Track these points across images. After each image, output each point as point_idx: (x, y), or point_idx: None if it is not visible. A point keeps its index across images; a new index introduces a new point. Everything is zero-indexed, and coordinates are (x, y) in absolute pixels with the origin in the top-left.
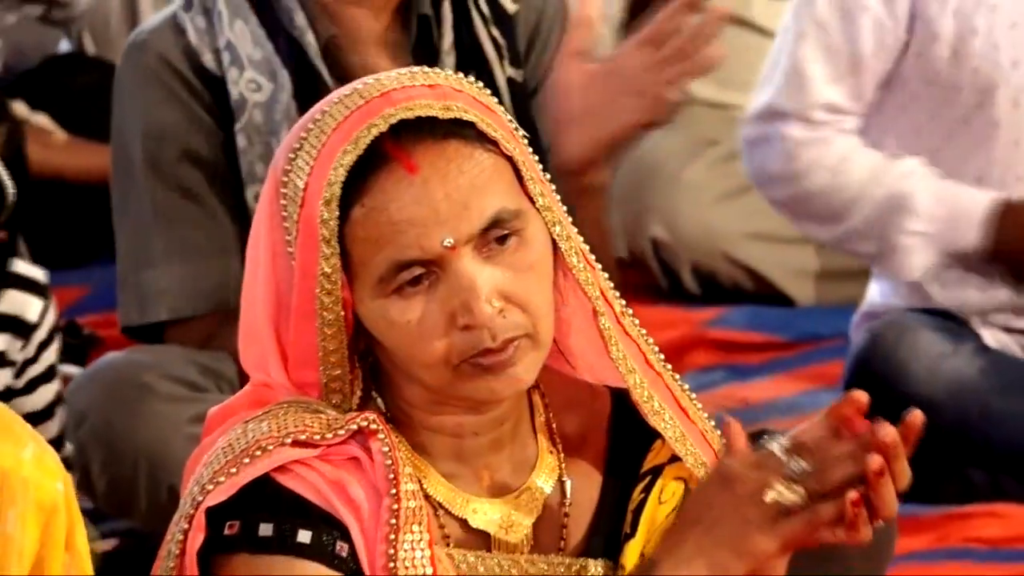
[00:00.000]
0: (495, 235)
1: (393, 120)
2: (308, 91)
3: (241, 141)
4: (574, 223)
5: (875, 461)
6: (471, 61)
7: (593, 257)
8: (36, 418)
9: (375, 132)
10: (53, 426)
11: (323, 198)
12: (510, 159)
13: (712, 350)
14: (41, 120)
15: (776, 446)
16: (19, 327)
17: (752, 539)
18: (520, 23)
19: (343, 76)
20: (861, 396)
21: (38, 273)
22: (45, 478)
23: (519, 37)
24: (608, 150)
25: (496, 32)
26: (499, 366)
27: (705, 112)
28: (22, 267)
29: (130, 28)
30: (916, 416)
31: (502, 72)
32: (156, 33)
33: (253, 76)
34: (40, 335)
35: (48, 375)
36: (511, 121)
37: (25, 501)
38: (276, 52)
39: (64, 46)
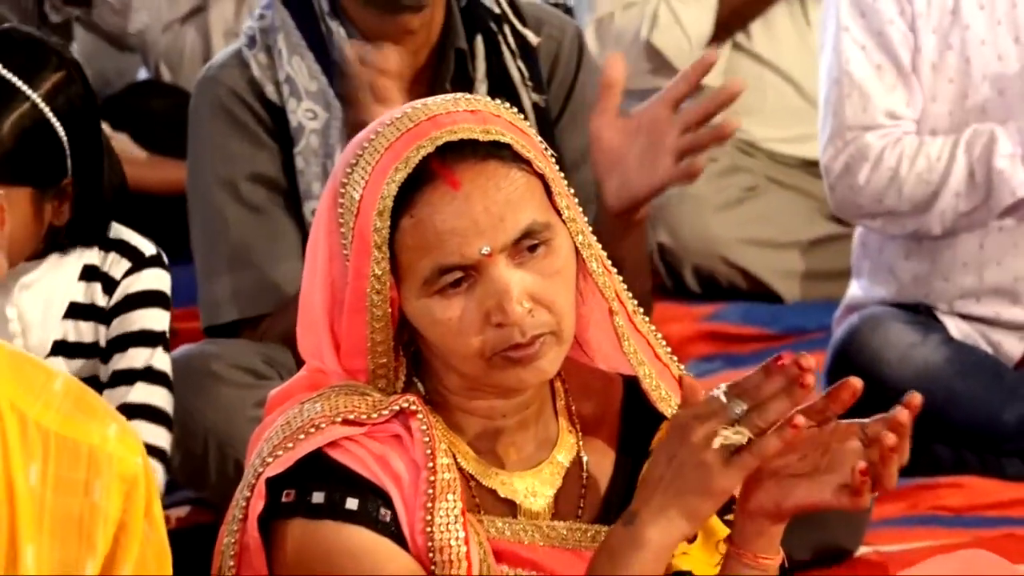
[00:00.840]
0: (526, 244)
1: (439, 142)
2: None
3: (300, 163)
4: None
5: (889, 438)
6: (501, 88)
7: (610, 263)
8: (119, 379)
9: (423, 152)
10: (142, 392)
11: (376, 209)
12: (541, 176)
13: (710, 341)
14: (122, 139)
15: (718, 392)
16: (108, 283)
17: (712, 480)
18: (542, 54)
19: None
20: (856, 382)
21: (142, 243)
22: (127, 453)
23: (541, 67)
24: (644, 201)
25: (521, 63)
26: (527, 359)
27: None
28: (126, 234)
29: (201, 58)
30: (915, 398)
31: (528, 98)
32: (225, 68)
33: (310, 106)
34: (122, 292)
35: (141, 339)
36: (541, 142)
37: (110, 474)
38: (329, 84)
39: (142, 74)
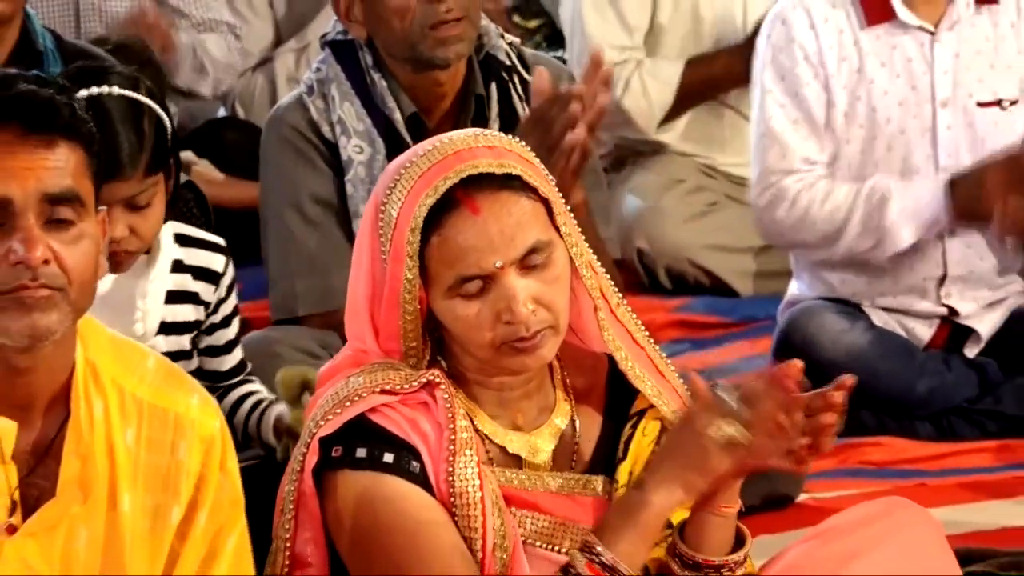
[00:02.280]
0: (531, 258)
1: (463, 174)
2: (396, 153)
3: (349, 188)
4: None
5: (828, 418)
6: (510, 125)
7: (598, 264)
8: (232, 345)
9: (449, 183)
10: (239, 352)
11: (410, 227)
12: (544, 200)
13: (680, 328)
14: (204, 164)
15: (726, 395)
16: (210, 276)
17: (710, 462)
18: None
19: (430, 135)
20: (797, 363)
21: (214, 236)
22: (206, 418)
23: None
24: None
25: (526, 105)
26: (530, 348)
27: (675, 160)
28: (193, 231)
29: (268, 99)
30: (848, 380)
31: None
32: (288, 111)
33: (357, 143)
34: (227, 281)
35: (235, 313)
36: (545, 171)
37: (192, 435)
38: (373, 125)
39: (221, 112)
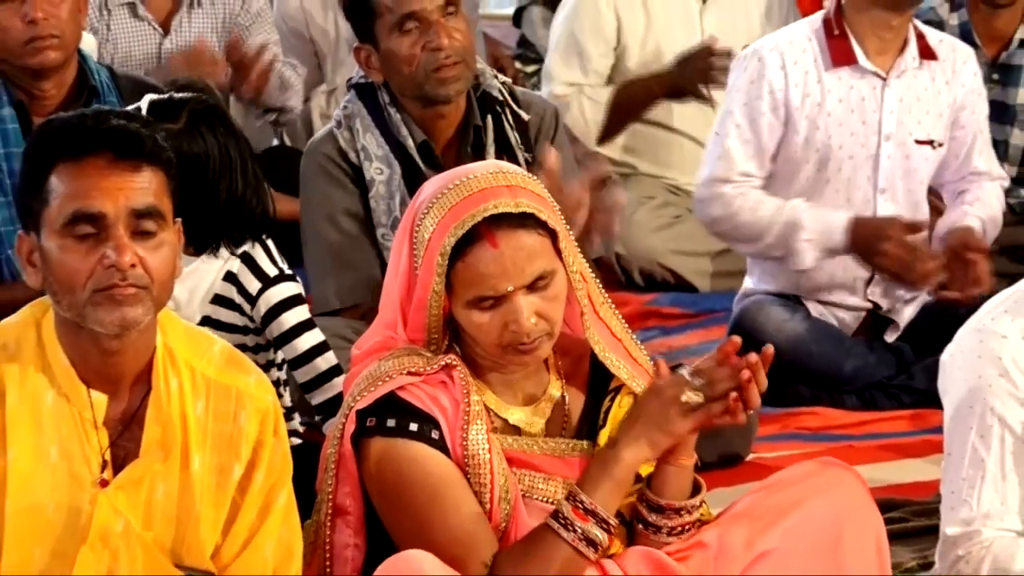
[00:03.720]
0: (537, 283)
1: (486, 214)
2: (410, 174)
3: (372, 203)
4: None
5: (745, 374)
6: (504, 150)
7: (589, 274)
8: (308, 356)
9: (475, 220)
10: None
11: (440, 251)
12: (552, 230)
13: (650, 318)
14: None
15: (685, 370)
16: (247, 295)
17: (672, 424)
18: (531, 126)
19: (431, 164)
20: (736, 340)
21: (269, 266)
22: (262, 393)
23: (530, 134)
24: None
25: (517, 134)
26: (529, 351)
27: (645, 181)
28: (259, 256)
29: (306, 132)
30: (768, 348)
31: (521, 157)
32: (322, 142)
33: (378, 165)
34: (267, 302)
35: (295, 332)
36: (553, 203)
37: (251, 407)
38: (391, 151)
39: (274, 141)
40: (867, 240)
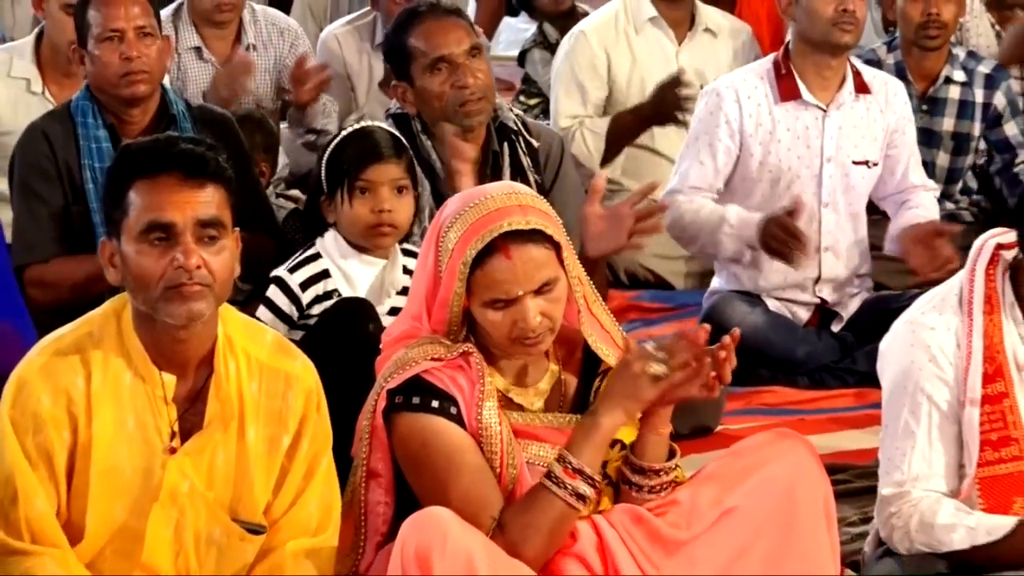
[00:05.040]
0: (543, 289)
1: (501, 231)
2: (438, 192)
3: None
4: (591, 275)
5: (722, 353)
6: (518, 173)
7: (585, 277)
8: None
9: (492, 236)
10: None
11: (462, 261)
12: (556, 243)
13: (634, 312)
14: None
15: (649, 345)
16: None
17: (642, 392)
18: (541, 153)
19: (456, 183)
20: (706, 327)
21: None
22: (307, 375)
23: (540, 160)
24: (609, 255)
25: (529, 159)
26: (534, 343)
27: (628, 194)
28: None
29: None
30: (735, 331)
31: (532, 179)
32: None
33: None
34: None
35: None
36: (557, 219)
37: (297, 387)
38: (423, 172)
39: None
40: (767, 236)
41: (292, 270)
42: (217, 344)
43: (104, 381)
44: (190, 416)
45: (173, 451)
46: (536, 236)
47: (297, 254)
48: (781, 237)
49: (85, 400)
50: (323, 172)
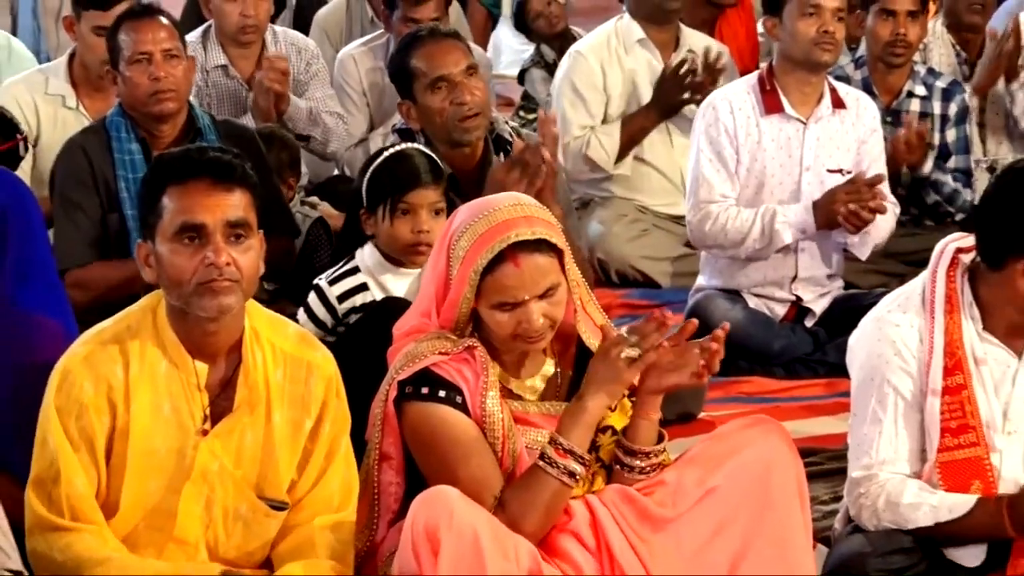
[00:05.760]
0: (546, 293)
1: (509, 241)
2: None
3: None
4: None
5: (714, 345)
6: None
7: (582, 279)
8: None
9: (500, 247)
10: None
11: (472, 268)
12: (559, 250)
13: (624, 308)
14: (325, 205)
15: (624, 329)
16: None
17: (622, 375)
18: None
19: (457, 191)
20: (695, 321)
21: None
22: (327, 364)
23: None
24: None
25: None
26: (535, 341)
27: (620, 202)
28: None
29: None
30: (725, 325)
31: None
32: None
33: None
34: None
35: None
36: (558, 225)
37: (318, 374)
38: None
39: (335, 172)
40: (825, 212)
41: (332, 282)
42: (245, 335)
43: (141, 370)
44: (220, 401)
45: (205, 433)
46: (542, 245)
47: (338, 265)
48: (845, 211)
49: (124, 387)
50: (365, 188)
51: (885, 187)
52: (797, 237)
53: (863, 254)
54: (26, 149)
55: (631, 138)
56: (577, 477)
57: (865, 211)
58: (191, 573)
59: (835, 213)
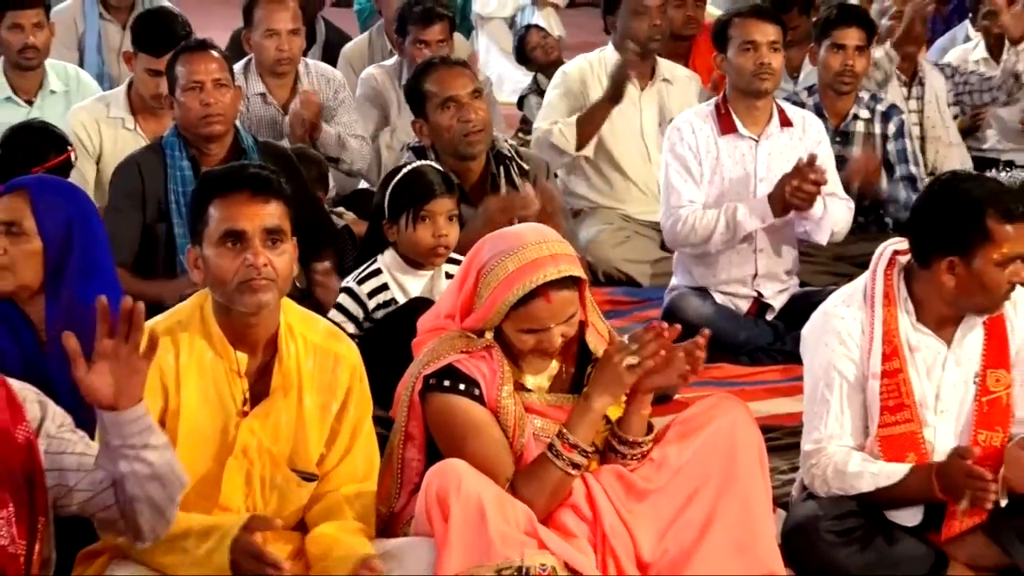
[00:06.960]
0: (568, 319)
1: (540, 281)
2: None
3: None
4: None
5: (698, 352)
6: (513, 189)
7: (589, 295)
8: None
9: (532, 286)
10: None
11: (503, 300)
12: (579, 282)
13: (610, 304)
14: (351, 215)
15: (626, 338)
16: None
17: (622, 377)
18: (531, 174)
19: (463, 200)
20: (677, 326)
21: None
22: (352, 354)
23: (529, 179)
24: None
25: (521, 179)
26: (552, 352)
27: (606, 212)
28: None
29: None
30: (706, 331)
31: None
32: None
33: None
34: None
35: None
36: (583, 258)
37: (344, 364)
38: None
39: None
40: (777, 196)
41: (360, 282)
42: (280, 329)
43: (190, 358)
44: (258, 386)
45: (245, 414)
46: (568, 281)
47: (362, 268)
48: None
49: (175, 374)
50: (387, 201)
51: (838, 187)
52: (758, 226)
53: (822, 239)
54: (74, 161)
55: (588, 123)
56: (580, 468)
57: (807, 183)
58: (226, 521)
59: (784, 195)
